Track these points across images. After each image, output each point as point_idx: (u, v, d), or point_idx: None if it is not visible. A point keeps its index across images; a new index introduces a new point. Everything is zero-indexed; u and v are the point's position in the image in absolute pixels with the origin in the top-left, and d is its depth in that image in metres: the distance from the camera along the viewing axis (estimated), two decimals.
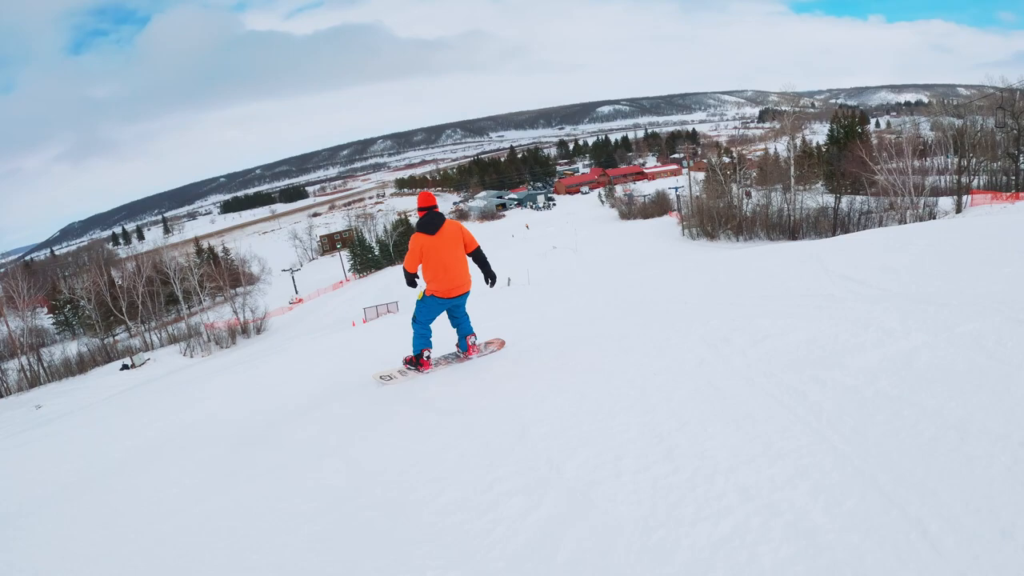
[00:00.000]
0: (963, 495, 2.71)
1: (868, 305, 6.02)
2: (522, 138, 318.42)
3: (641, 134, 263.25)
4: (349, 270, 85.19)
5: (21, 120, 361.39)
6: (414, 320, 7.33)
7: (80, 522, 4.70)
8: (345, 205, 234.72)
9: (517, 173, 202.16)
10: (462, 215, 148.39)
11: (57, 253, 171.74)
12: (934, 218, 36.68)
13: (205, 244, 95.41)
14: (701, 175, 64.03)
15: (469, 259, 7.17)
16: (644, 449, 3.81)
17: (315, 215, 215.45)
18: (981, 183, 44.10)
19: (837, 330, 5.23)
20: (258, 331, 51.42)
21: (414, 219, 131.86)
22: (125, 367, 43.70)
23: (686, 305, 8.40)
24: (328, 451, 5.14)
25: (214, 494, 4.73)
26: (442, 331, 7.73)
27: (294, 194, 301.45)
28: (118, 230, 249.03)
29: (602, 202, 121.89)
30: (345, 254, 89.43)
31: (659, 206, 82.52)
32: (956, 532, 2.52)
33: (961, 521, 2.57)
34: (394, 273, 74.19)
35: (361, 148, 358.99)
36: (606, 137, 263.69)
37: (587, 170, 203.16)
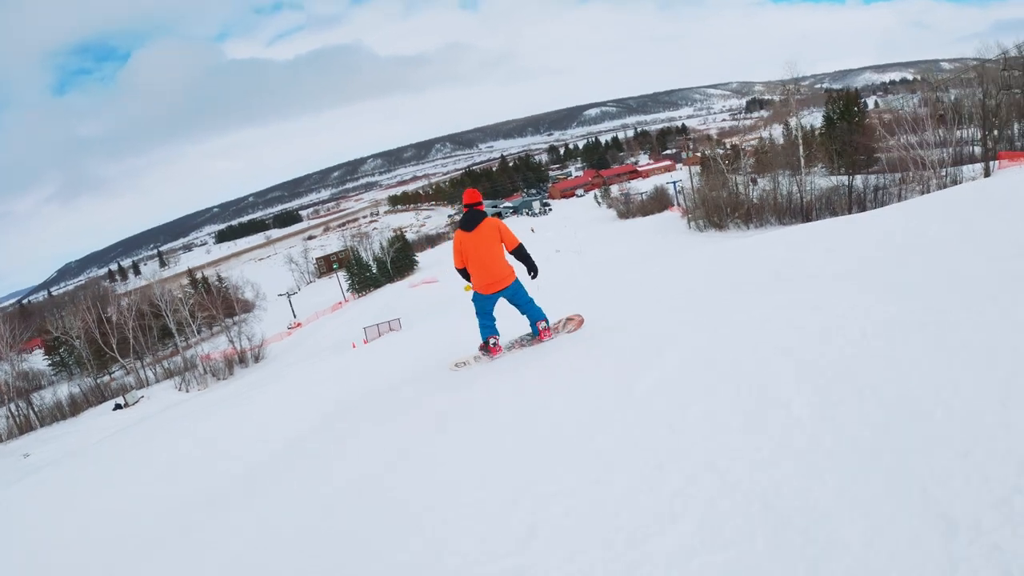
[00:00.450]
0: None
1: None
2: (512, 147, 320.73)
3: (631, 134, 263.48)
4: (347, 290, 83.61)
5: (10, 162, 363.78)
6: (476, 313, 7.39)
7: None
8: (339, 226, 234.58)
9: (510, 181, 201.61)
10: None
11: (55, 293, 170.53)
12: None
13: (199, 274, 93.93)
14: (697, 168, 63.05)
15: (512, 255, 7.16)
16: None
17: (310, 238, 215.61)
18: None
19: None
20: (256, 359, 49.60)
21: (410, 235, 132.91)
22: (118, 407, 42.43)
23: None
24: None
25: None
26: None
27: (288, 219, 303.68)
28: (115, 267, 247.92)
29: (598, 203, 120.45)
30: (342, 274, 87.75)
31: (658, 202, 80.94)
32: None
33: None
34: (394, 290, 72.80)
35: (352, 168, 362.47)
36: (596, 139, 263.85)
37: (580, 173, 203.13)
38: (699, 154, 68.91)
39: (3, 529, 7.77)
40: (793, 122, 51.34)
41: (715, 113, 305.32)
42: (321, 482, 5.03)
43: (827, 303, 5.14)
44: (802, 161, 46.70)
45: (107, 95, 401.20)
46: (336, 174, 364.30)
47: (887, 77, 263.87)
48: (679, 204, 70.43)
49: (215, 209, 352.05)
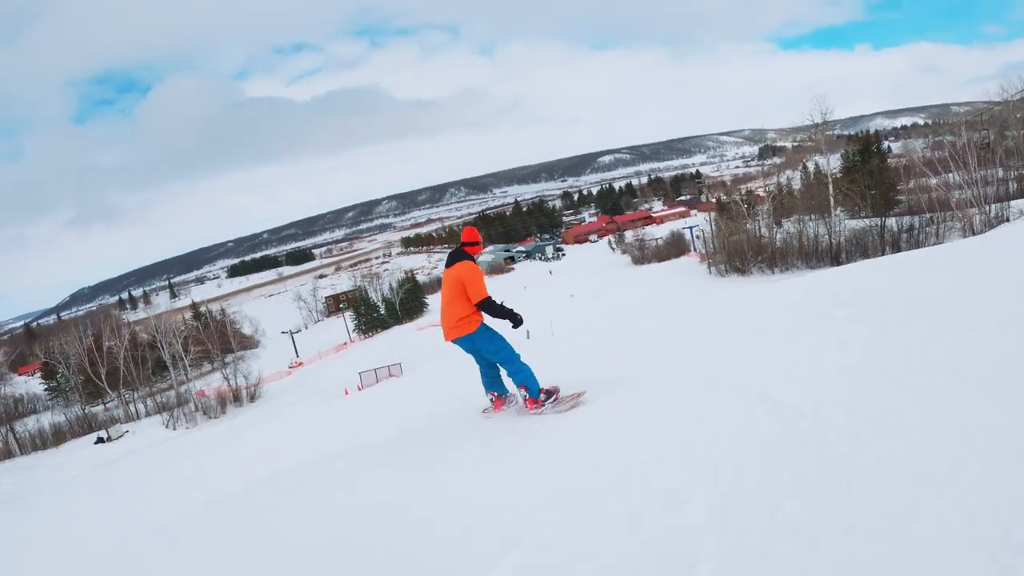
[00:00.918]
0: None
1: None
2: (525, 192, 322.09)
3: (644, 180, 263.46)
4: (353, 330, 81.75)
5: (29, 187, 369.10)
6: None
7: None
8: (351, 266, 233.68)
9: (523, 226, 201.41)
10: None
11: (64, 318, 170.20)
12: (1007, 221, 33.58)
13: (204, 308, 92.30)
14: (713, 214, 61.09)
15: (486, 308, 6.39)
16: None
17: (321, 276, 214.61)
18: None
19: None
20: (252, 398, 47.34)
21: (421, 277, 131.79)
22: (100, 440, 40.46)
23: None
24: None
25: None
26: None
27: (301, 257, 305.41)
28: (126, 295, 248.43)
29: (612, 249, 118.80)
30: (350, 315, 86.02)
31: (675, 247, 79.05)
32: None
33: None
34: (400, 332, 70.88)
35: (366, 209, 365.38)
36: (610, 185, 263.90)
37: (594, 218, 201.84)
38: (715, 199, 67.37)
39: None
40: (822, 161, 49.77)
41: (728, 160, 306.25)
42: None
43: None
44: (831, 201, 44.72)
45: (126, 126, 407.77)
46: (351, 214, 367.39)
47: (899, 122, 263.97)
48: (697, 249, 68.59)
49: (230, 244, 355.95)
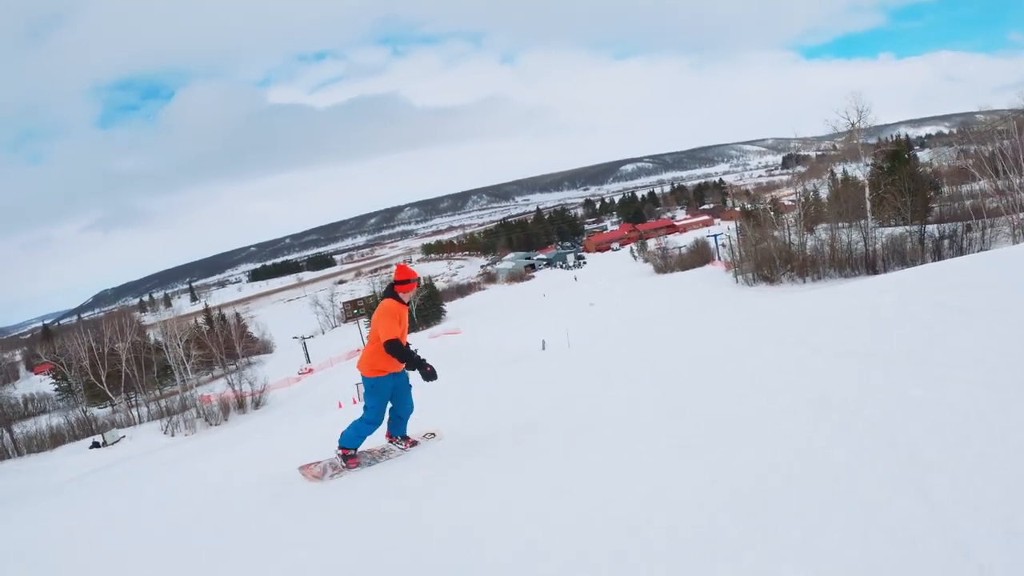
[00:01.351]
0: None
1: None
2: (547, 200, 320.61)
3: (667, 189, 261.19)
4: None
5: (54, 190, 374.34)
6: None
7: None
8: (371, 272, 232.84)
9: (545, 233, 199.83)
10: (490, 278, 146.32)
11: (85, 319, 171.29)
12: None
13: (217, 312, 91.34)
14: (737, 222, 59.79)
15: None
16: None
17: (341, 282, 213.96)
18: None
19: None
20: (257, 405, 45.86)
21: (440, 284, 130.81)
22: (95, 445, 39.23)
23: None
24: None
25: None
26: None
27: (321, 262, 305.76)
28: (147, 297, 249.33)
29: (635, 257, 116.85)
30: (363, 321, 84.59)
31: (699, 255, 77.12)
32: None
33: None
34: (414, 340, 69.31)
35: (388, 216, 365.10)
36: (632, 193, 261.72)
37: (616, 226, 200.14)
38: (740, 208, 65.45)
39: None
40: (851, 168, 47.74)
41: (751, 169, 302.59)
42: None
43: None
44: (868, 205, 42.60)
45: (151, 131, 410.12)
46: (373, 221, 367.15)
47: (923, 131, 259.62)
48: (721, 258, 66.65)
49: (252, 248, 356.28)
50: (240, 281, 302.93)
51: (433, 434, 7.32)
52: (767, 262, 46.58)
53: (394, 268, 6.87)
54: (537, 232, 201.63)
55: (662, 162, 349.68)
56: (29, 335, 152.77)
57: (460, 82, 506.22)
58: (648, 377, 7.97)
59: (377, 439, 7.02)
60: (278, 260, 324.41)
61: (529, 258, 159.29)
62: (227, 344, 64.02)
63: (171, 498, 7.60)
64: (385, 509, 5.22)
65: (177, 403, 45.85)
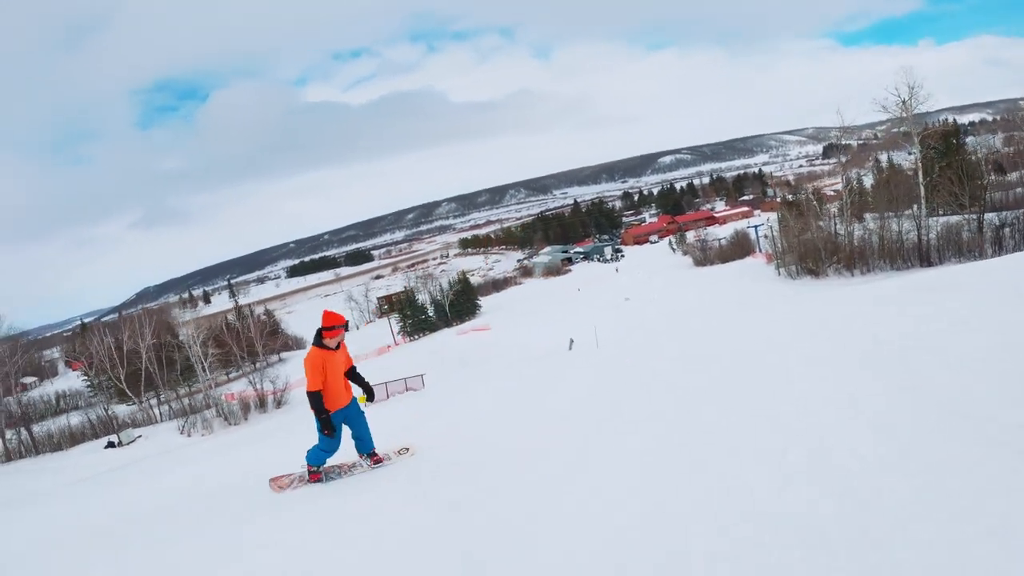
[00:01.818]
0: None
1: None
2: (585, 193, 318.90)
3: (706, 180, 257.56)
4: (398, 332, 79.15)
5: (97, 190, 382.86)
6: None
7: None
8: (408, 267, 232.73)
9: (582, 226, 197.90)
10: (526, 272, 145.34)
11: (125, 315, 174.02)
12: None
13: (246, 309, 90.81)
14: (780, 212, 57.18)
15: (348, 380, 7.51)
16: None
17: (378, 277, 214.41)
18: None
19: None
20: (278, 405, 44.66)
21: (476, 278, 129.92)
22: (111, 444, 38.93)
23: None
24: None
25: None
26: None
27: (359, 257, 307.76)
28: (187, 295, 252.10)
29: (673, 250, 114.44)
30: (395, 317, 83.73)
31: (739, 247, 74.69)
32: None
33: None
34: (444, 336, 67.98)
35: (426, 211, 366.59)
36: (671, 185, 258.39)
37: (654, 219, 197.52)
38: (781, 198, 63.14)
39: None
40: (897, 155, 45.09)
41: (791, 159, 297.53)
42: None
43: None
44: (922, 191, 40.09)
45: (189, 131, 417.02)
46: (411, 216, 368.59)
47: (966, 118, 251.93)
48: (763, 250, 64.31)
49: (291, 245, 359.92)
50: (279, 277, 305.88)
51: (406, 449, 7.75)
52: (811, 254, 44.22)
53: (322, 314, 7.21)
54: (574, 225, 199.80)
55: (700, 153, 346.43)
56: (70, 332, 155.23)
57: (494, 76, 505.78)
58: (672, 412, 6.99)
59: (351, 453, 7.64)
60: (316, 256, 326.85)
61: (566, 252, 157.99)
62: (249, 342, 63.13)
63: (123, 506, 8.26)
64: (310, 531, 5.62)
65: (194, 402, 45.15)
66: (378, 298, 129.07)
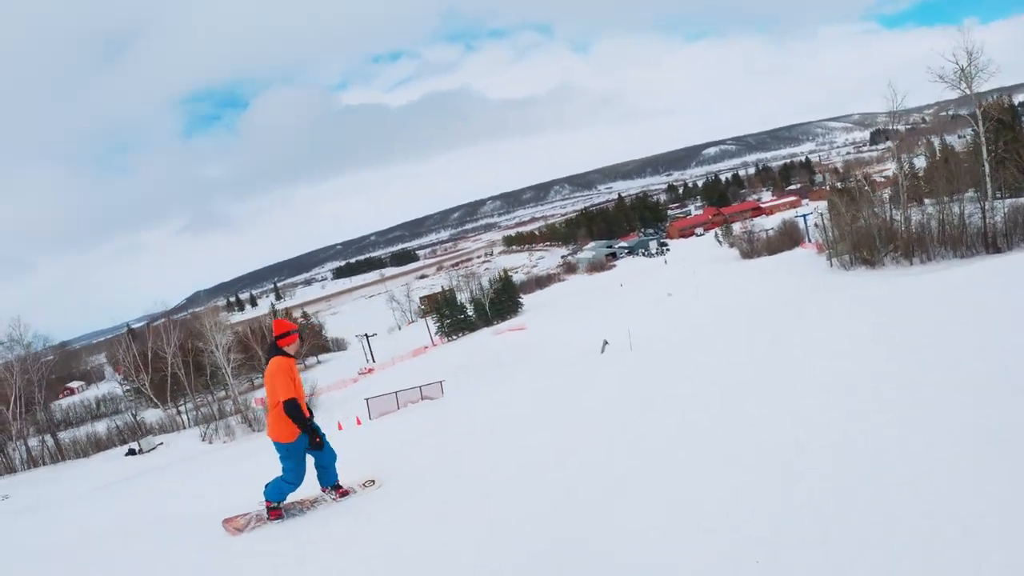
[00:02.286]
0: None
1: None
2: (630, 187, 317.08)
3: (751, 171, 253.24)
4: (436, 333, 78.04)
5: (145, 198, 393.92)
6: None
7: None
8: (453, 266, 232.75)
9: (626, 221, 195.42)
10: (570, 268, 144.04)
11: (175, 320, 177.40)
12: None
13: (282, 312, 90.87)
14: (830, 199, 56.10)
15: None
16: None
17: (422, 277, 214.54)
18: None
19: None
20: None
21: (519, 276, 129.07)
22: (132, 452, 39.28)
23: None
24: None
25: None
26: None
27: (405, 257, 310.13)
28: (234, 298, 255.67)
29: (719, 242, 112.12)
30: (431, 317, 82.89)
31: (788, 237, 72.29)
32: None
33: None
34: (481, 336, 66.64)
35: (471, 210, 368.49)
36: (716, 176, 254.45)
37: (699, 211, 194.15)
38: (829, 187, 60.74)
39: None
40: (951, 139, 42.09)
41: (838, 147, 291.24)
42: None
43: None
44: (987, 168, 37.27)
45: (232, 138, 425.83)
46: (456, 215, 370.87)
47: (1019, 98, 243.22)
48: (813, 239, 61.79)
49: (338, 246, 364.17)
50: (325, 279, 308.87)
51: (372, 481, 7.21)
52: (866, 242, 41.61)
53: (272, 323, 6.87)
54: (618, 220, 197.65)
55: (745, 144, 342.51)
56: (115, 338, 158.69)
57: (532, 74, 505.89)
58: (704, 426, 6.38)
59: (313, 489, 6.92)
60: (362, 257, 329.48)
61: (610, 247, 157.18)
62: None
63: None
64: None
65: (222, 407, 44.72)
66: (420, 298, 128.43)
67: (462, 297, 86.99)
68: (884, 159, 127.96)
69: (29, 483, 34.10)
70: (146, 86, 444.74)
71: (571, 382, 12.94)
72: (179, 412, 48.36)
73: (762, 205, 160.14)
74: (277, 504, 6.54)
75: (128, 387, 61.66)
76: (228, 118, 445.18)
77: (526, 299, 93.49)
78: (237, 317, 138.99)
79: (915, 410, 5.09)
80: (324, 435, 6.59)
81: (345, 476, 7.07)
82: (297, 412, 6.24)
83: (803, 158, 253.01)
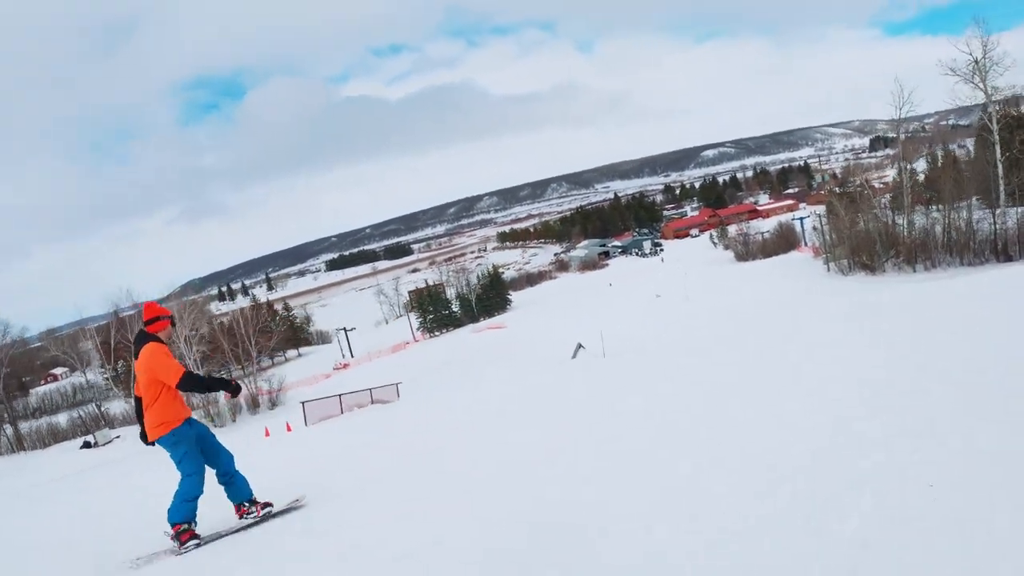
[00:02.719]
0: None
1: None
2: (628, 187, 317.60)
3: (749, 174, 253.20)
4: (418, 328, 76.18)
5: (141, 186, 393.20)
6: None
7: None
8: (446, 261, 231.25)
9: (621, 220, 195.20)
10: (562, 266, 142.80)
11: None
12: None
13: (264, 303, 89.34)
14: (821, 207, 55.69)
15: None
16: None
17: (415, 271, 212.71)
18: None
19: None
20: (272, 405, 42.55)
21: (511, 273, 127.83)
22: (87, 444, 38.24)
23: None
24: None
25: None
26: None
27: (399, 251, 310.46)
28: (226, 288, 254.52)
29: (714, 244, 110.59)
30: (414, 314, 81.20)
31: (784, 240, 70.62)
32: None
33: None
34: (462, 333, 65.00)
35: (468, 205, 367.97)
36: (713, 178, 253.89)
37: (695, 212, 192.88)
38: (828, 190, 59.29)
39: None
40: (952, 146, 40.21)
41: (837, 152, 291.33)
42: None
43: None
44: (1000, 170, 35.36)
45: (230, 128, 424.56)
46: (452, 210, 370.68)
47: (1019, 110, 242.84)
48: (809, 243, 60.10)
49: (333, 239, 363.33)
50: (318, 271, 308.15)
51: (297, 500, 6.37)
52: (866, 246, 39.63)
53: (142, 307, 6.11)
54: (613, 219, 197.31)
55: (744, 147, 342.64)
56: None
57: (536, 70, 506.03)
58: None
59: (229, 518, 5.93)
60: (356, 250, 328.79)
61: (604, 245, 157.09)
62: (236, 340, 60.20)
63: None
64: None
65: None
66: (409, 292, 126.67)
67: (450, 292, 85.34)
68: (883, 165, 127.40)
69: None
70: (145, 73, 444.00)
71: (547, 383, 12.88)
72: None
73: (759, 208, 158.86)
74: (188, 524, 5.58)
75: (106, 375, 60.46)
76: (226, 107, 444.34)
77: (515, 296, 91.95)
78: (228, 307, 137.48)
79: (902, 417, 5.08)
80: (236, 382, 6.00)
81: (265, 493, 6.25)
82: (197, 379, 5.77)
83: (802, 163, 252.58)
